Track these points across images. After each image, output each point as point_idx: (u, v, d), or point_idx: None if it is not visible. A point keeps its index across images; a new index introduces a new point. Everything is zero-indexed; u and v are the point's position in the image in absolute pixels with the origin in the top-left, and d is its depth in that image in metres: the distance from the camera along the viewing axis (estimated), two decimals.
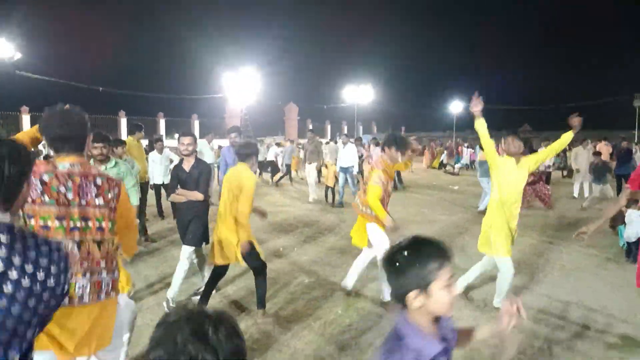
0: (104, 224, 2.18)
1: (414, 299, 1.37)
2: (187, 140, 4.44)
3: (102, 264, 2.18)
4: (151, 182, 8.44)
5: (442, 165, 21.44)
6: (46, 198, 2.07)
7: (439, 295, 1.37)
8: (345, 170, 10.74)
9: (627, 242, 6.20)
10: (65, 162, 2.16)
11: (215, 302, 4.58)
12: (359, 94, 42.14)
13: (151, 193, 8.34)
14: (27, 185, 1.45)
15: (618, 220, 7.19)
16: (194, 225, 4.39)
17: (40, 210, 2.06)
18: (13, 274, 1.19)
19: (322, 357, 3.48)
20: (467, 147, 23.16)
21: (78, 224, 2.11)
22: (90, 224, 2.14)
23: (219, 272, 4.17)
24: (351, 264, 4.81)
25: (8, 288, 1.18)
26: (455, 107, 47.19)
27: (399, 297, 1.40)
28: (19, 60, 24.70)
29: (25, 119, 29.61)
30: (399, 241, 1.45)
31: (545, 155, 4.33)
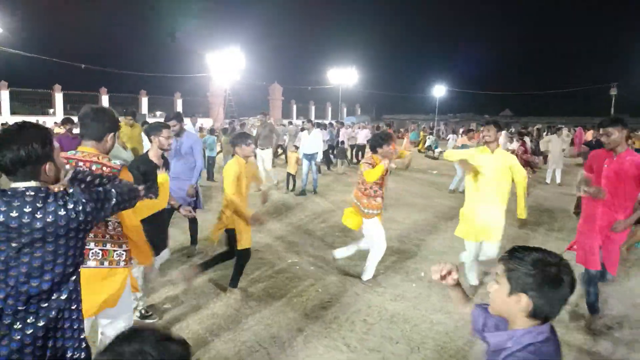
0: None
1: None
2: (167, 133, 4.07)
3: (107, 237, 2.53)
4: None
5: (429, 148, 21.70)
6: None
7: None
8: (309, 157, 10.30)
9: None
10: (77, 150, 2.51)
11: (201, 279, 4.88)
12: (344, 76, 42.23)
13: None
14: (51, 163, 1.84)
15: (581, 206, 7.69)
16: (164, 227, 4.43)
17: None
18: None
19: (302, 330, 3.83)
20: (453, 133, 23.68)
21: None
22: None
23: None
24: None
25: None
26: (438, 91, 47.65)
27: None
28: (0, 36, 24.15)
29: (4, 94, 29.10)
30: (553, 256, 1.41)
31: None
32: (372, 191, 4.76)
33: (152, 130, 4.09)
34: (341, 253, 5.22)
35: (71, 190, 1.84)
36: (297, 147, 11.04)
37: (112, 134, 2.60)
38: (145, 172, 3.72)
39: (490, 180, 4.37)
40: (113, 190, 1.99)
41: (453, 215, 8.25)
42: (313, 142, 10.37)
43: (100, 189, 1.97)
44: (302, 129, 16.09)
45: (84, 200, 1.82)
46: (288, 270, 5.27)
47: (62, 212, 1.76)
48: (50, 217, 1.73)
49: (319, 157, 10.59)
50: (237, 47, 34.05)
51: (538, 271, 1.36)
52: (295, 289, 4.71)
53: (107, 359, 1.07)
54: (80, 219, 1.81)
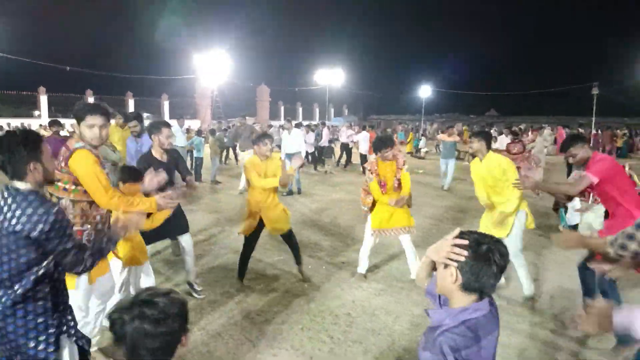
0: (67, 186, 2.81)
1: None
2: (167, 132, 4.23)
3: (77, 219, 2.83)
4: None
5: (418, 150, 21.89)
6: None
7: None
8: (291, 157, 10.12)
9: (569, 225, 6.88)
10: None
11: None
12: (331, 77, 42.45)
13: None
14: (35, 162, 2.06)
15: (560, 203, 7.92)
16: (180, 211, 4.44)
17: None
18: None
19: (287, 323, 3.97)
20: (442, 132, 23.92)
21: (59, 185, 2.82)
22: (59, 185, 2.81)
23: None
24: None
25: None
26: (424, 91, 48.04)
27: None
28: None
29: None
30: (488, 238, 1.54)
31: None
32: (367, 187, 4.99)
33: (152, 129, 4.27)
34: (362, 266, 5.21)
35: (47, 204, 2.01)
36: (279, 147, 11.09)
37: (77, 124, 2.84)
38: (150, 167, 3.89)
39: (488, 187, 4.55)
40: (74, 244, 2.11)
41: (438, 214, 8.45)
42: (294, 141, 10.41)
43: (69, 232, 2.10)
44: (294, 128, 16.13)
45: (40, 217, 1.96)
46: (275, 266, 5.39)
47: (8, 215, 1.96)
48: (0, 216, 1.97)
49: (302, 155, 10.65)
50: (224, 49, 34.10)
51: (470, 248, 1.50)
52: (282, 285, 4.83)
53: (127, 300, 1.43)
54: (22, 227, 1.94)
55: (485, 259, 1.48)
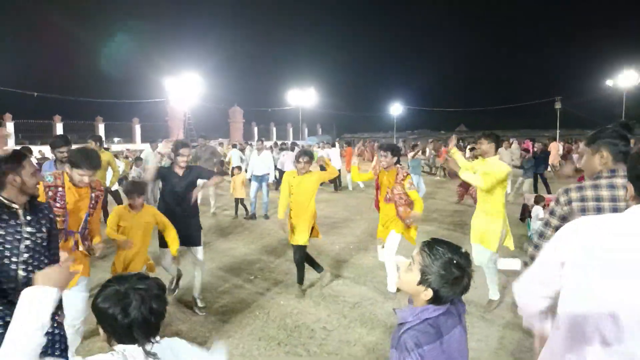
0: None
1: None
2: (186, 152, 4.70)
3: None
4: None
5: None
6: None
7: None
8: (260, 179, 9.77)
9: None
10: None
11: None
12: (303, 97, 42.91)
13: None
14: (13, 174, 2.30)
15: (526, 213, 8.24)
16: (196, 225, 4.78)
17: None
18: None
19: (264, 339, 4.01)
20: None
21: None
22: None
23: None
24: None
25: None
26: (396, 109, 48.98)
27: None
28: None
29: None
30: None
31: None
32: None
33: (175, 148, 4.82)
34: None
35: None
36: (239, 169, 10.60)
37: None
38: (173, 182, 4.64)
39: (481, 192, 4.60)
40: None
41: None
42: (263, 163, 9.90)
43: None
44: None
45: None
46: (249, 287, 5.42)
47: None
48: None
49: (270, 178, 10.18)
50: (195, 72, 34.16)
51: (445, 271, 1.60)
52: (258, 303, 4.87)
53: (106, 293, 1.45)
54: None
55: (458, 279, 1.61)
